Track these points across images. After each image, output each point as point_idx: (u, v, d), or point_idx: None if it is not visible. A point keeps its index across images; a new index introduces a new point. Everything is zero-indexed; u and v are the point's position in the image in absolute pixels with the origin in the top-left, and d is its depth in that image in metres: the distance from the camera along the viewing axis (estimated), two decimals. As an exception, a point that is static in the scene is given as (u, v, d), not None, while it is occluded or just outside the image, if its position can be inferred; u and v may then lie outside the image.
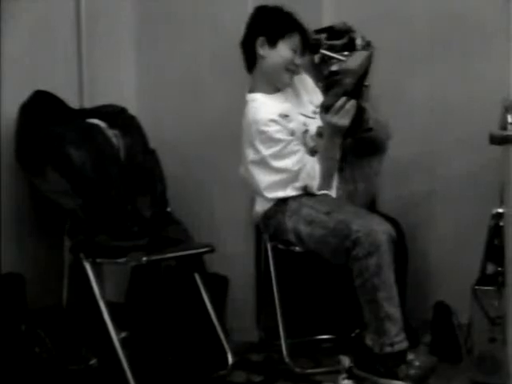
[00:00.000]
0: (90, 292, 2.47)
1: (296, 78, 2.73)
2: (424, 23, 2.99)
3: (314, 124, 2.66)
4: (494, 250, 2.52)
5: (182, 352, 2.68)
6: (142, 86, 3.18)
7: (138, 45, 3.19)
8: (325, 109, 2.52)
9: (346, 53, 3.09)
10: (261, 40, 2.65)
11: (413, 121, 2.97)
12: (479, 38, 2.90)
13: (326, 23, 3.19)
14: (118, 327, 2.49)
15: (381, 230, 2.41)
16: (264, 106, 2.63)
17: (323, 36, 3.13)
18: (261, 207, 2.67)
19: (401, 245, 2.70)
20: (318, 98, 2.76)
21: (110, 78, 3.07)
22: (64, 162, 2.59)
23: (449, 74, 2.95)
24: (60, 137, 2.62)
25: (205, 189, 3.08)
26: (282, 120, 2.59)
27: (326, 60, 3.10)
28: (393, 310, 2.41)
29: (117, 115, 2.86)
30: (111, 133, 2.82)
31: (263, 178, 2.59)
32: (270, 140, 2.56)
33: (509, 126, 2.32)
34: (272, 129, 2.57)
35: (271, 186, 2.59)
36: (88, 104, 2.95)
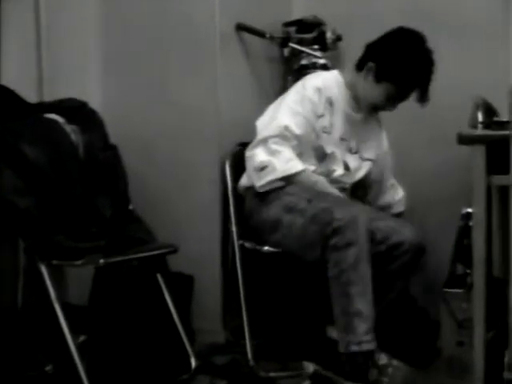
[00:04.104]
0: (46, 294, 2.38)
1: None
2: (395, 20, 2.93)
3: (344, 158, 2.60)
4: (463, 251, 2.49)
5: (144, 356, 2.60)
6: (106, 81, 3.08)
7: (103, 37, 3.07)
8: None
9: (315, 46, 3.04)
10: (370, 65, 2.51)
11: (382, 121, 2.91)
12: (449, 34, 2.85)
13: (295, 16, 3.15)
14: (80, 331, 2.41)
15: (363, 221, 2.32)
16: (325, 82, 2.54)
17: (293, 29, 3.09)
18: (246, 181, 2.62)
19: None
20: (373, 144, 2.67)
21: (73, 72, 2.96)
22: (17, 158, 2.46)
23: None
24: (13, 132, 2.50)
25: (169, 186, 3.00)
26: (326, 104, 2.51)
27: (296, 54, 3.06)
28: (365, 307, 2.31)
29: (76, 110, 2.75)
30: (70, 128, 2.71)
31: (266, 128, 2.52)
32: (301, 99, 2.49)
33: (479, 125, 2.28)
34: (310, 93, 2.48)
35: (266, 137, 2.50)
36: (49, 98, 2.85)
